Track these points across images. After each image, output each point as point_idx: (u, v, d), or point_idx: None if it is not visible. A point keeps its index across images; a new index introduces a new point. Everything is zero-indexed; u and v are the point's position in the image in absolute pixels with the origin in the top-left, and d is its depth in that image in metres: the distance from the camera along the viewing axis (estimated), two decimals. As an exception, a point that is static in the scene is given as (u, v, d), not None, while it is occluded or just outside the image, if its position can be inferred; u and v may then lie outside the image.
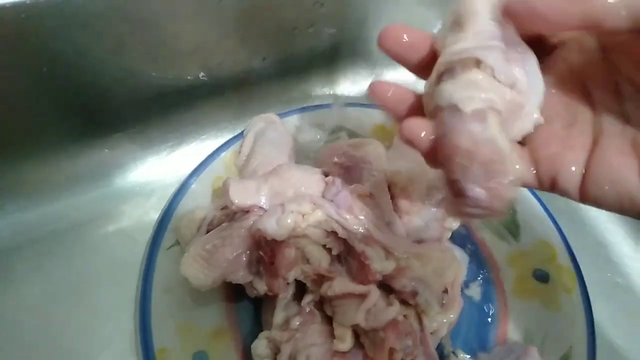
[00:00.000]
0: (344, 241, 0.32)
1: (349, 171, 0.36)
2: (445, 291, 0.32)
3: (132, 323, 0.37)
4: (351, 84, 0.55)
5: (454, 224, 0.35)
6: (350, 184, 0.36)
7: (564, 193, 0.24)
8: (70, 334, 0.36)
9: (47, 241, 0.40)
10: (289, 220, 0.32)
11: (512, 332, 0.39)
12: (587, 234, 0.48)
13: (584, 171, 0.23)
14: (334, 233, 0.33)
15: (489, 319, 0.39)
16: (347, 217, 0.32)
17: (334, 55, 0.52)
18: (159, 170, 0.45)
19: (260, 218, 0.33)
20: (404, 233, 0.34)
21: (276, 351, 0.33)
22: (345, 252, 0.33)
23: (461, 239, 0.42)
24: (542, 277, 0.41)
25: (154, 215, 0.41)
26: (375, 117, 0.48)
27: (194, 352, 0.35)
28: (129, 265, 0.39)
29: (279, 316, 0.34)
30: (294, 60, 0.49)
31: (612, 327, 0.42)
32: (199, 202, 0.40)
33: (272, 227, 0.32)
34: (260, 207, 0.34)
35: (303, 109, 0.48)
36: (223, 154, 0.43)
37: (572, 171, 0.23)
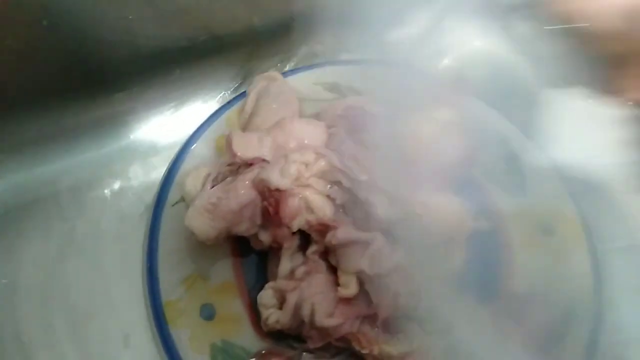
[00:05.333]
0: (348, 190, 0.32)
1: (353, 123, 0.36)
2: (450, 239, 0.32)
3: (139, 279, 0.37)
4: (356, 43, 0.54)
5: (459, 173, 0.34)
6: (355, 135, 0.35)
7: None
8: (77, 291, 0.37)
9: (51, 200, 0.40)
10: (292, 170, 0.32)
11: (517, 284, 0.38)
12: (602, 201, 0.47)
13: None
14: (337, 182, 0.32)
15: (493, 270, 0.39)
16: (351, 165, 0.32)
17: (339, 14, 0.51)
18: (163, 129, 0.45)
19: (263, 168, 0.33)
20: (409, 181, 0.34)
21: (282, 301, 0.33)
22: (350, 201, 0.33)
23: (467, 189, 0.41)
24: (548, 230, 0.41)
25: (159, 174, 0.41)
26: (380, 74, 0.47)
27: (201, 304, 0.35)
28: (134, 223, 0.39)
29: (284, 266, 0.34)
30: (296, 18, 0.48)
31: (620, 284, 0.41)
32: (203, 160, 0.40)
33: (275, 176, 0.32)
34: (264, 160, 0.34)
35: (306, 68, 0.47)
36: (226, 113, 0.43)
37: None
